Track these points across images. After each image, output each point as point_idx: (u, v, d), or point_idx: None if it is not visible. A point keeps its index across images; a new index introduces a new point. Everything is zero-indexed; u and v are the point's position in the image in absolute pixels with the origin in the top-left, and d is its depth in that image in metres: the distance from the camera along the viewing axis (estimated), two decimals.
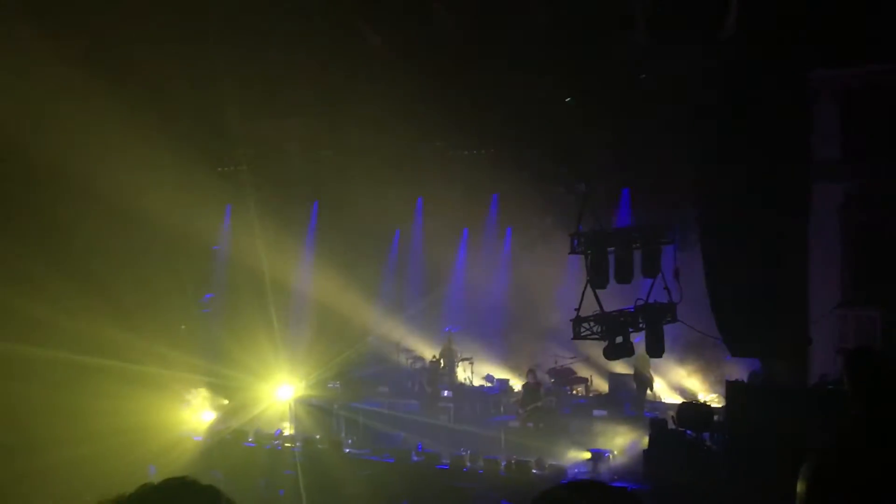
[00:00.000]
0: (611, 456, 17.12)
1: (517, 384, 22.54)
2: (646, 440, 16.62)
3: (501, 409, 21.41)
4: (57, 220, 19.82)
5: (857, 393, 1.79)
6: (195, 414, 21.04)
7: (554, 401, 20.56)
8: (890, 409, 1.74)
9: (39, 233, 19.35)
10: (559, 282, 22.44)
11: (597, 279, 15.96)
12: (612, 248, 16.16)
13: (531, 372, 20.08)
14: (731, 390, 16.00)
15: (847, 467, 1.73)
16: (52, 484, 16.52)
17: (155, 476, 17.74)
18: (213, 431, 20.27)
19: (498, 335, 24.38)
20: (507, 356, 23.83)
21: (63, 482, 16.74)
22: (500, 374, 23.54)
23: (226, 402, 21.63)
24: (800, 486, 1.82)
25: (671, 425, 16.56)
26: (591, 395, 21.84)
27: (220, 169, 23.45)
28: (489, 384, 23.39)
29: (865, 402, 1.79)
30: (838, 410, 12.96)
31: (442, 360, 23.43)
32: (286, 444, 19.37)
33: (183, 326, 23.13)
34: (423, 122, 19.83)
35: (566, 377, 21.70)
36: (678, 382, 21.26)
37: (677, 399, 20.13)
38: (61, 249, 20.03)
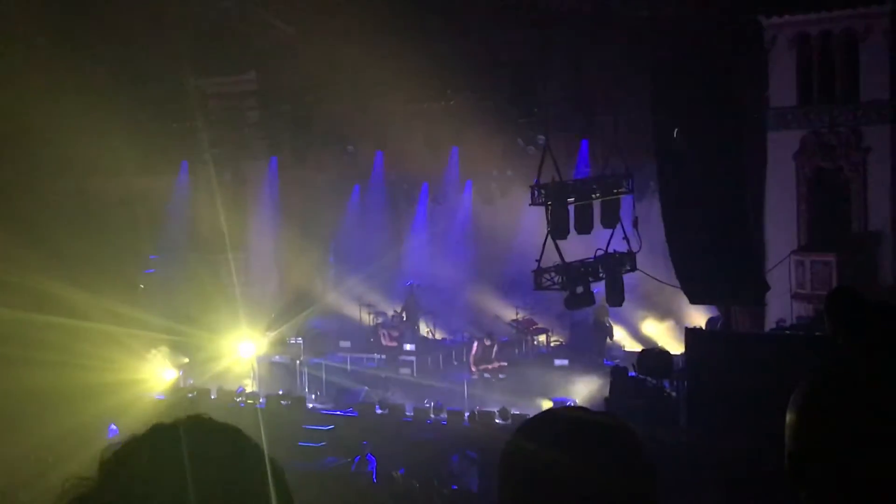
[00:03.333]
0: (573, 404, 17.31)
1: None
2: (607, 388, 16.84)
3: (464, 360, 21.56)
4: (6, 177, 19.56)
5: (842, 331, 1.83)
6: (156, 372, 20.96)
7: (516, 352, 20.67)
8: (880, 344, 1.78)
9: None
10: (519, 233, 22.57)
11: (557, 230, 16.08)
12: (572, 199, 16.27)
13: (489, 336, 20.16)
14: (690, 337, 16.27)
15: (844, 393, 1.77)
16: (6, 442, 16.43)
17: (116, 435, 17.78)
18: (175, 389, 20.22)
19: (460, 289, 24.48)
20: (468, 310, 23.96)
21: (20, 438, 16.69)
22: (461, 328, 23.68)
23: (186, 360, 21.58)
24: (789, 417, 1.83)
25: (631, 372, 16.80)
26: (552, 344, 22.06)
27: (174, 125, 23.16)
28: (450, 337, 23.54)
29: (852, 339, 1.82)
30: (795, 356, 13.21)
31: (404, 315, 23.51)
32: (249, 401, 19.39)
33: (142, 286, 22.99)
34: (381, 75, 19.71)
35: (527, 328, 21.87)
36: (638, 330, 21.54)
37: (637, 347, 20.41)
38: (12, 207, 19.81)
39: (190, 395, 19.94)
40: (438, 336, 23.80)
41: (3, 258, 18.24)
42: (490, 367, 19.57)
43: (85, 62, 20.29)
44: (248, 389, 20.15)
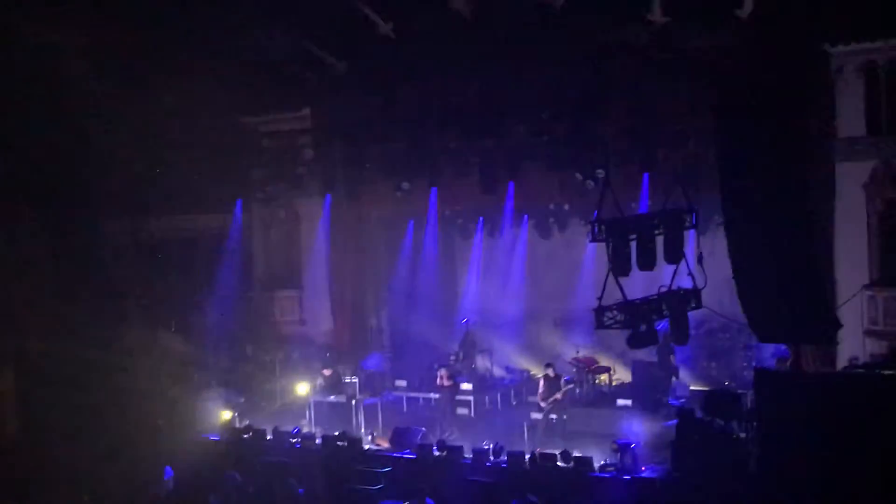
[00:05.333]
0: (637, 447, 16.93)
1: (538, 373, 22.42)
2: (672, 430, 16.44)
3: (524, 400, 21.27)
4: (65, 214, 19.82)
5: None
6: (211, 412, 20.93)
7: (576, 392, 20.38)
8: None
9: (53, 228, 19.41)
10: (579, 270, 22.30)
11: (618, 267, 15.75)
12: (634, 235, 15.95)
13: (549, 365, 19.88)
14: (760, 377, 15.77)
15: None
16: (65, 484, 16.49)
17: (171, 478, 17.77)
18: (230, 430, 20.16)
19: (517, 326, 24.23)
20: (526, 347, 23.70)
21: (78, 483, 16.75)
22: (520, 365, 23.44)
23: (241, 399, 21.56)
24: None
25: (698, 414, 16.38)
26: (614, 384, 21.67)
27: (229, 162, 23.33)
28: (509, 375, 23.26)
29: None
30: (871, 396, 12.73)
31: (461, 353, 23.28)
32: (305, 442, 19.25)
33: (199, 323, 23.06)
34: (434, 110, 19.67)
35: (588, 367, 21.53)
36: (704, 369, 21.08)
37: (704, 387, 19.94)
38: (70, 243, 20.03)
39: (245, 435, 19.85)
40: (496, 374, 23.52)
41: (59, 294, 18.43)
42: (559, 396, 19.20)
43: (142, 99, 20.55)
44: (304, 430, 20.01)
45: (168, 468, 18.07)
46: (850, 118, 18.60)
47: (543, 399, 19.37)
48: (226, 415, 20.73)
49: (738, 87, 16.33)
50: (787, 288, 15.58)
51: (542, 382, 19.60)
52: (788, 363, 18.25)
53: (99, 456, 17.12)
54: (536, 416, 19.30)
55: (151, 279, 21.22)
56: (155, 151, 21.09)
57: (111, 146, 19.67)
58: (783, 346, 18.68)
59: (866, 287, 18.16)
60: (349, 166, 22.22)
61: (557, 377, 19.63)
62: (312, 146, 22.89)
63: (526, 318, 24.16)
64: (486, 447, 17.54)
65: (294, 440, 19.45)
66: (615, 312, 15.70)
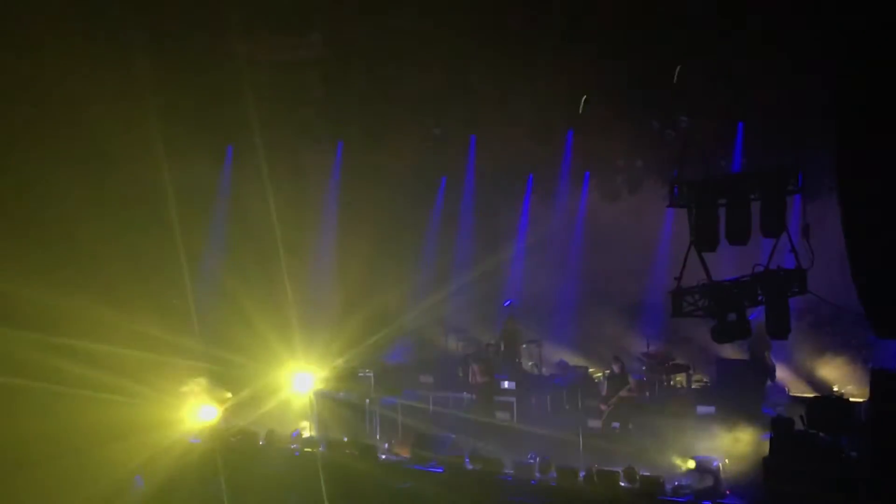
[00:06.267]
0: (721, 465, 17.04)
1: (598, 374, 22.54)
2: (766, 445, 16.53)
3: (579, 404, 21.42)
4: (23, 173, 20.09)
5: None
6: (192, 410, 21.28)
7: (647, 395, 20.50)
8: None
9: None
10: (653, 242, 22.35)
11: (703, 240, 15.80)
12: (724, 200, 15.99)
13: (616, 359, 20.05)
14: (877, 380, 15.81)
15: None
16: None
17: (143, 489, 18.12)
18: (215, 432, 20.49)
19: (573, 311, 24.36)
20: (584, 338, 23.83)
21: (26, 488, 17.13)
22: (575, 360, 23.56)
23: (229, 395, 21.86)
24: None
25: (799, 426, 16.45)
26: (694, 386, 21.77)
27: (217, 100, 23.50)
28: (562, 372, 23.41)
29: None
30: None
31: (501, 344, 23.45)
32: (306, 449, 19.55)
33: (175, 301, 23.37)
34: (478, 40, 19.73)
35: (662, 364, 21.64)
36: (808, 371, 21.12)
37: (807, 393, 19.98)
38: (22, 203, 20.32)
39: (233, 439, 20.18)
40: (545, 371, 23.69)
41: (8, 268, 18.72)
42: (624, 393, 19.39)
43: (107, 23, 20.72)
44: (305, 434, 20.32)
45: (138, 478, 18.46)
46: None
47: (605, 402, 19.54)
48: (210, 414, 21.05)
49: (856, 12, 16.19)
50: None
51: (605, 382, 19.75)
52: None
53: (53, 459, 17.49)
54: (595, 423, 19.46)
55: (116, 243, 21.44)
56: (125, 87, 21.26)
57: (73, 84, 19.87)
58: None
59: None
60: (367, 105, 22.34)
61: (625, 375, 19.77)
62: (323, 81, 23.00)
63: (584, 303, 24.27)
64: (532, 461, 17.73)
65: (293, 446, 19.74)
66: (697, 297, 15.79)
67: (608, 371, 20.09)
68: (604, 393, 19.84)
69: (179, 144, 22.37)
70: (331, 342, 22.75)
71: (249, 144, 23.93)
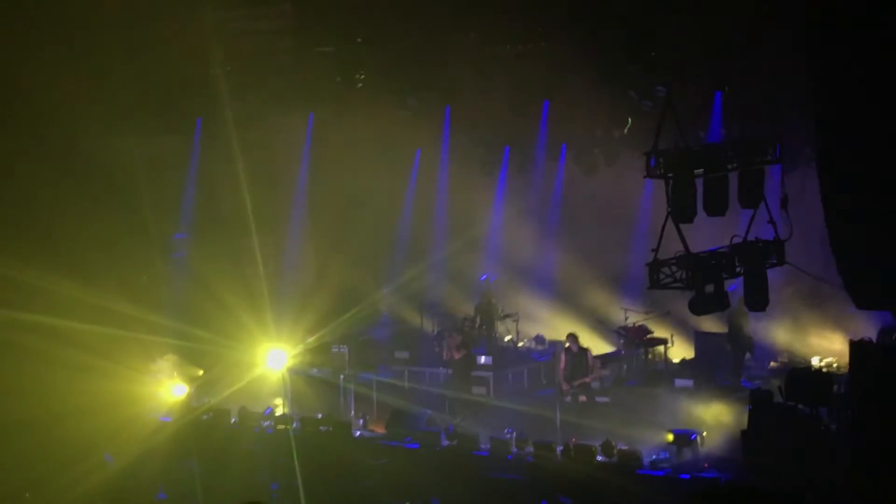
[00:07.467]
0: (699, 438, 17.12)
1: None
2: (745, 418, 16.63)
3: (556, 379, 21.48)
4: None
5: None
6: (161, 388, 21.26)
7: (609, 376, 20.47)
8: None
9: None
10: (632, 215, 22.37)
11: (681, 210, 15.79)
12: (701, 170, 16.00)
13: (572, 336, 19.97)
14: (857, 353, 15.91)
15: None
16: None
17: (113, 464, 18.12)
18: (185, 410, 20.48)
19: (551, 285, 24.39)
20: (561, 312, 23.86)
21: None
22: (553, 335, 23.60)
23: (200, 372, 21.84)
24: None
25: (777, 398, 16.54)
26: (672, 360, 21.87)
27: (185, 71, 23.35)
28: (540, 347, 23.47)
29: None
30: None
31: (478, 318, 23.49)
32: (279, 426, 19.55)
33: (144, 277, 23.31)
34: (452, 7, 19.67)
35: (640, 338, 21.71)
36: (787, 343, 21.23)
37: (786, 365, 20.09)
38: None
39: (204, 416, 20.17)
40: (523, 346, 23.74)
41: None
42: (587, 379, 19.43)
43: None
44: (279, 411, 20.32)
45: (108, 455, 18.44)
46: None
47: (567, 380, 19.56)
48: (179, 391, 21.04)
49: None
50: (894, 242, 15.65)
51: (563, 357, 19.76)
52: (894, 336, 18.40)
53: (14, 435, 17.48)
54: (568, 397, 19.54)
55: (80, 215, 21.30)
56: (91, 54, 21.10)
57: (36, 53, 19.71)
58: (888, 315, 18.80)
59: None
60: (340, 74, 22.25)
61: (583, 352, 19.74)
62: (293, 50, 22.88)
63: (562, 276, 24.30)
64: (508, 436, 17.78)
65: (266, 423, 19.75)
66: (674, 269, 15.79)
67: (566, 348, 20.00)
68: (562, 367, 19.79)
69: (146, 116, 22.27)
70: (303, 317, 22.73)
71: (219, 117, 23.83)
